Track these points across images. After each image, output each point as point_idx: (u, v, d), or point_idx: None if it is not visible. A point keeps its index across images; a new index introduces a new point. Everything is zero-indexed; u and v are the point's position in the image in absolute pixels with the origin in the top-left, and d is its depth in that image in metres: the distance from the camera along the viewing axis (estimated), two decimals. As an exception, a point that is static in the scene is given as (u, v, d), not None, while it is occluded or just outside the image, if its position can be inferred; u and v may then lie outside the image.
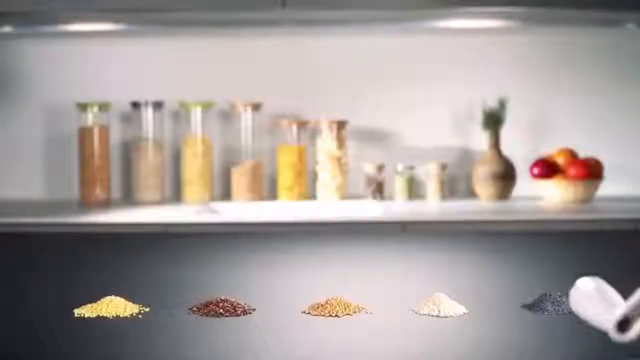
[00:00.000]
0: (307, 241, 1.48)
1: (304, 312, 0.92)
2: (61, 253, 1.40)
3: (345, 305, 0.92)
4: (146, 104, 2.22)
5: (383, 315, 0.91)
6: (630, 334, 0.61)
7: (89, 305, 0.93)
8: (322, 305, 0.92)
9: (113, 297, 0.94)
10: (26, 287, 1.10)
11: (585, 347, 0.79)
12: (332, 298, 0.93)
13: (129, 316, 0.91)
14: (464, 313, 0.91)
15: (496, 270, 1.19)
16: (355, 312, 0.91)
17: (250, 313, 0.91)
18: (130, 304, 0.93)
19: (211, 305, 0.91)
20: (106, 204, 2.18)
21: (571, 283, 1.01)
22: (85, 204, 2.18)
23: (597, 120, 2.34)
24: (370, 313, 0.92)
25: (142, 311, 0.93)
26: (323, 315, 0.90)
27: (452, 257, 1.31)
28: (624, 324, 0.62)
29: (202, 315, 0.90)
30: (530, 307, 0.93)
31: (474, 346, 0.80)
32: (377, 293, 1.02)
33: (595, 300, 0.64)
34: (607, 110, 2.34)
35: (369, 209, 2.12)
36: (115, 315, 0.90)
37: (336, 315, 0.90)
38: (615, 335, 0.61)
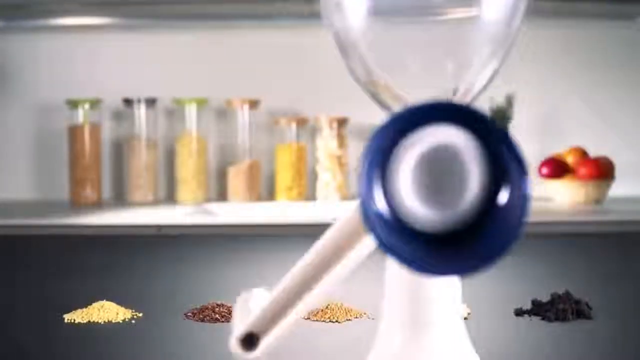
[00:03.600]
0: (306, 243, 1.48)
1: (304, 317, 0.92)
2: (50, 255, 1.40)
3: (347, 310, 0.92)
4: (139, 100, 2.22)
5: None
6: (256, 352, 0.60)
7: (79, 311, 0.93)
8: (322, 310, 0.92)
9: (104, 301, 0.94)
10: (13, 291, 1.10)
11: (594, 356, 0.80)
12: (332, 303, 0.93)
13: (121, 322, 0.91)
14: (468, 317, 0.92)
15: (502, 272, 1.19)
16: (356, 317, 0.92)
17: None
18: (123, 309, 0.93)
19: (207, 311, 0.91)
20: (97, 205, 2.19)
21: (581, 285, 1.02)
22: (75, 204, 2.18)
23: (609, 118, 2.34)
24: (373, 318, 0.92)
25: (134, 316, 0.93)
26: (323, 321, 0.90)
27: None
28: (251, 340, 0.61)
29: (197, 321, 0.90)
30: (538, 311, 0.93)
31: (477, 351, 0.80)
32: (379, 296, 1.02)
33: (242, 312, 0.64)
34: (619, 107, 2.34)
35: (371, 210, 2.12)
36: (106, 320, 0.91)
37: (337, 321, 0.90)
38: (238, 352, 0.60)
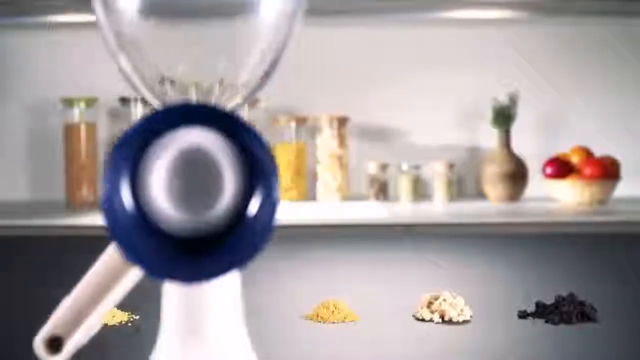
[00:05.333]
0: (306, 244, 1.48)
1: (302, 318, 0.92)
2: (45, 257, 1.40)
3: (345, 311, 0.92)
4: (135, 99, 2.22)
5: (385, 321, 0.91)
6: (62, 356, 0.59)
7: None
8: (320, 311, 0.92)
9: (100, 303, 0.94)
10: (8, 293, 1.10)
11: (599, 359, 0.79)
12: (331, 304, 0.93)
13: (117, 324, 0.91)
14: (471, 320, 0.91)
15: (506, 274, 1.19)
16: (355, 318, 0.91)
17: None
18: (119, 311, 0.93)
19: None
20: (94, 205, 2.19)
21: (585, 287, 1.02)
22: (72, 205, 2.18)
23: (614, 117, 2.34)
24: (372, 320, 0.92)
25: (131, 319, 0.93)
26: (322, 322, 0.90)
27: (459, 260, 1.31)
28: (56, 342, 0.60)
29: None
30: (542, 313, 0.93)
31: (480, 356, 0.80)
32: (380, 298, 1.02)
33: None
34: (625, 106, 2.34)
35: (372, 211, 2.12)
36: (102, 323, 0.91)
37: (334, 322, 0.90)
38: (41, 354, 0.59)
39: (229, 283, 0.61)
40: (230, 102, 0.64)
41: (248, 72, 0.63)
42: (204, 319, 0.60)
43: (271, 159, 0.51)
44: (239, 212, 0.52)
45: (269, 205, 0.51)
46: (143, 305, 0.98)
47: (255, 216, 0.52)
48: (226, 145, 0.52)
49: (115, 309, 0.93)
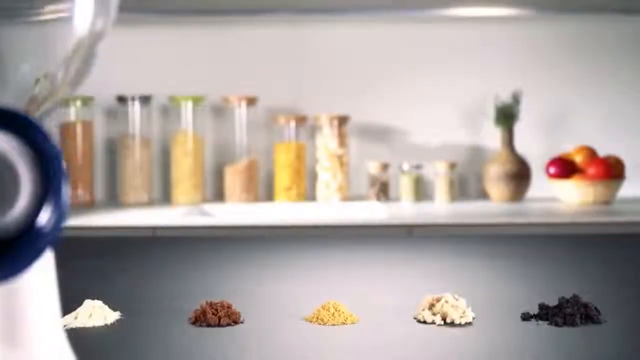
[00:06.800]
0: (306, 245, 1.48)
1: (301, 320, 0.92)
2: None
3: (346, 313, 0.92)
4: (133, 98, 2.22)
5: (386, 324, 0.91)
6: None
7: (70, 314, 0.92)
8: (320, 313, 0.92)
9: (96, 305, 0.94)
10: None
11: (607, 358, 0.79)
12: (331, 305, 0.93)
13: (109, 325, 0.91)
14: (473, 322, 0.91)
15: (509, 275, 1.19)
16: (355, 321, 0.91)
17: (242, 322, 0.91)
18: (115, 313, 0.93)
19: (201, 313, 0.91)
20: (90, 206, 2.18)
21: (590, 288, 1.01)
22: (68, 205, 2.18)
23: (618, 116, 2.34)
24: (373, 322, 0.92)
25: (126, 320, 0.92)
26: (321, 324, 0.90)
27: (461, 262, 1.31)
28: None
29: (191, 324, 0.90)
30: (545, 315, 0.93)
31: (482, 358, 0.79)
32: (381, 300, 1.02)
33: None
34: (629, 105, 2.34)
35: (373, 211, 2.12)
36: (98, 324, 0.90)
37: (334, 324, 0.90)
38: None
39: (45, 286, 0.62)
40: (47, 102, 0.64)
41: (62, 72, 0.64)
42: (19, 324, 0.61)
43: (61, 166, 0.52)
44: (32, 217, 0.53)
45: (56, 212, 0.52)
46: (139, 306, 0.98)
47: (42, 223, 0.53)
48: (23, 150, 0.52)
49: (111, 310, 0.93)
